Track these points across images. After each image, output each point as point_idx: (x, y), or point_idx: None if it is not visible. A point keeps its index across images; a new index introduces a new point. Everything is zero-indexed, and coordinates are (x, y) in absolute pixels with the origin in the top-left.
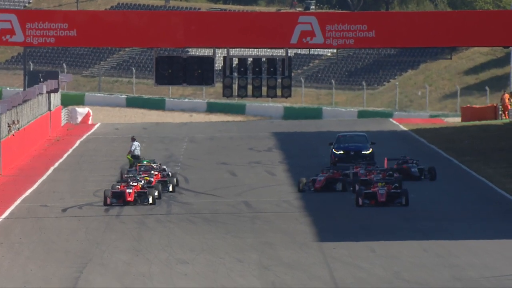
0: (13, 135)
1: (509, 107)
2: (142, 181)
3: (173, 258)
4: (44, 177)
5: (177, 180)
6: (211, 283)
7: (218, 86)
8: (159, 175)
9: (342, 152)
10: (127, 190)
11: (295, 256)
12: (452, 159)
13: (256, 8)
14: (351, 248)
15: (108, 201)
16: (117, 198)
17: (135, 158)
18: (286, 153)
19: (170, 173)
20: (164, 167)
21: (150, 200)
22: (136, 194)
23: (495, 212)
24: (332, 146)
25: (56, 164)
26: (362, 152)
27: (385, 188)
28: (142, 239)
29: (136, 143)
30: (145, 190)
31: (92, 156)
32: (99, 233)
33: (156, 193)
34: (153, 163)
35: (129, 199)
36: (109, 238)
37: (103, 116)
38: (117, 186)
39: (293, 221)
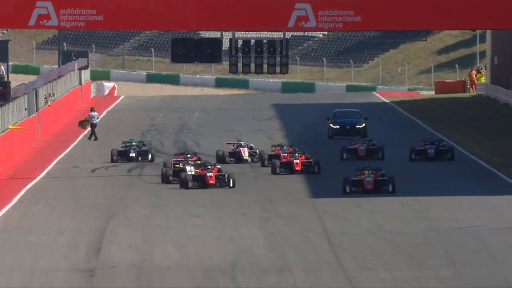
0: (49, 106)
1: (476, 82)
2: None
3: (187, 212)
4: (76, 142)
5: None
6: (219, 234)
7: (225, 64)
8: (195, 157)
9: (338, 126)
10: (208, 174)
11: (291, 211)
12: (426, 127)
13: None
14: (340, 204)
15: (190, 184)
16: (198, 181)
17: (93, 126)
18: (284, 122)
19: (257, 151)
20: (252, 145)
21: (231, 184)
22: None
23: (464, 172)
24: (329, 121)
25: (86, 131)
26: (356, 126)
27: (372, 175)
28: (160, 196)
29: (94, 113)
30: (223, 173)
31: (117, 124)
32: (123, 191)
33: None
34: (143, 145)
35: (211, 182)
36: (131, 195)
37: (126, 89)
38: (196, 170)
39: (290, 180)
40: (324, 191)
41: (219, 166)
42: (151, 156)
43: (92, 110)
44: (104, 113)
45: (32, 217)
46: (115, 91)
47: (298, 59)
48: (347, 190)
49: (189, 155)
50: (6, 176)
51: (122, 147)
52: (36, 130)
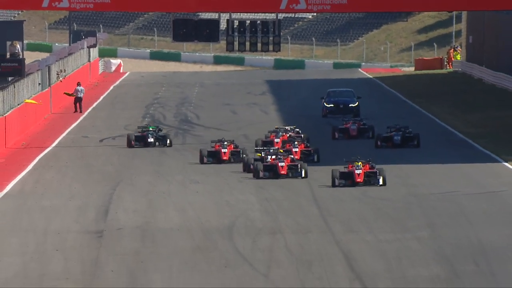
0: (60, 81)
1: (453, 59)
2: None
3: (187, 179)
4: (85, 114)
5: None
6: (217, 199)
7: (223, 42)
8: (232, 146)
9: (332, 105)
10: (280, 164)
11: (284, 178)
12: (407, 100)
13: None
14: (328, 172)
15: (261, 174)
16: (269, 171)
17: (79, 101)
18: (276, 96)
19: (302, 136)
20: (298, 129)
21: (303, 174)
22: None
23: (441, 142)
24: (323, 100)
25: (95, 104)
26: (350, 105)
27: (361, 168)
28: (163, 164)
29: (80, 88)
30: (295, 163)
31: (123, 98)
32: (128, 159)
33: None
34: (159, 130)
35: (282, 172)
36: (136, 163)
37: (131, 66)
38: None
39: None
40: (315, 165)
41: (292, 156)
42: (169, 141)
43: (78, 84)
44: (111, 87)
45: (45, 183)
46: (121, 68)
47: (289, 38)
48: (336, 183)
49: (225, 142)
50: (22, 145)
51: (138, 132)
52: (48, 103)
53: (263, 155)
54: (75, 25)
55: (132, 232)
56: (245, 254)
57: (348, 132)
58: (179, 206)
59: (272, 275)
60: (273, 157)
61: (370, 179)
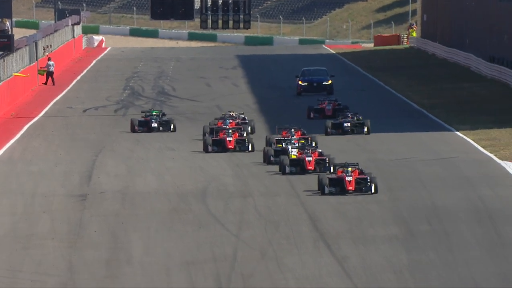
0: (47, 56)
1: (410, 35)
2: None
3: (164, 146)
4: (70, 86)
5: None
6: (191, 164)
7: (197, 20)
8: (237, 134)
9: (306, 83)
10: (307, 158)
11: (256, 147)
12: (367, 74)
13: None
14: None
15: (287, 170)
16: (296, 167)
17: (50, 74)
18: (247, 70)
19: (247, 121)
20: (243, 115)
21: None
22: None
23: (398, 112)
24: (298, 78)
25: (79, 77)
26: (323, 83)
27: (351, 174)
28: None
29: (51, 62)
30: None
31: (105, 71)
32: (110, 128)
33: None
34: (163, 115)
35: (309, 167)
36: (117, 132)
37: (113, 42)
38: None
39: (254, 119)
40: None
41: (320, 150)
42: (173, 126)
43: (49, 59)
44: (94, 62)
45: (32, 150)
46: (103, 43)
47: (258, 16)
48: (326, 191)
49: (230, 130)
50: (11, 115)
51: (142, 117)
52: (36, 76)
53: (283, 145)
54: (60, 3)
55: (114, 195)
56: (217, 215)
57: (323, 112)
58: (157, 171)
59: (243, 235)
60: (300, 150)
61: (362, 186)
